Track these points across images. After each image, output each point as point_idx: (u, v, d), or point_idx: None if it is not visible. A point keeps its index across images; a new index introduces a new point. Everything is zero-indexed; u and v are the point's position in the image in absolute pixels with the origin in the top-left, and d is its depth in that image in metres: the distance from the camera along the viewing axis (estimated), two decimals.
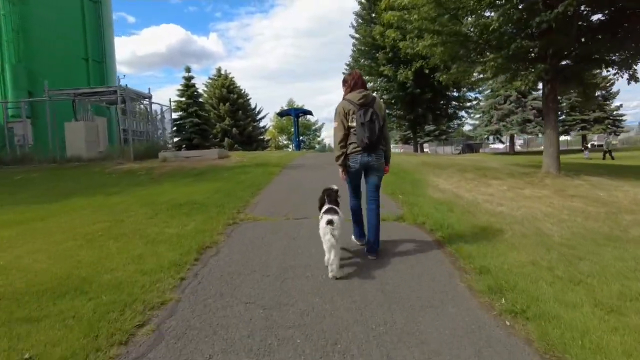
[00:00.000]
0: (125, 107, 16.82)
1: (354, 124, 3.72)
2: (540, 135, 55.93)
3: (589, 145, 44.25)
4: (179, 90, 41.05)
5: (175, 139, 42.54)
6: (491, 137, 58.79)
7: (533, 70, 8.39)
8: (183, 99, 40.97)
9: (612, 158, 30.33)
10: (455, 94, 28.01)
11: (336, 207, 3.70)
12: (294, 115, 25.95)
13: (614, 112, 49.44)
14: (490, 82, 35.49)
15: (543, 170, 9.31)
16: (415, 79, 24.66)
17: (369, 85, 27.11)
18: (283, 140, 64.12)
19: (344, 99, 3.88)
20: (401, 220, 5.23)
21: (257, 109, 54.48)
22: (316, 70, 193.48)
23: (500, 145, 68.93)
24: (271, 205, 6.38)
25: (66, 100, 17.20)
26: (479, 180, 8.65)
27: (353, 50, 29.46)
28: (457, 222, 4.92)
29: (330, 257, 3.29)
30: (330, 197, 3.83)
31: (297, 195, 7.17)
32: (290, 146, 56.58)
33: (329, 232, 3.27)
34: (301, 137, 61.21)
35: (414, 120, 27.60)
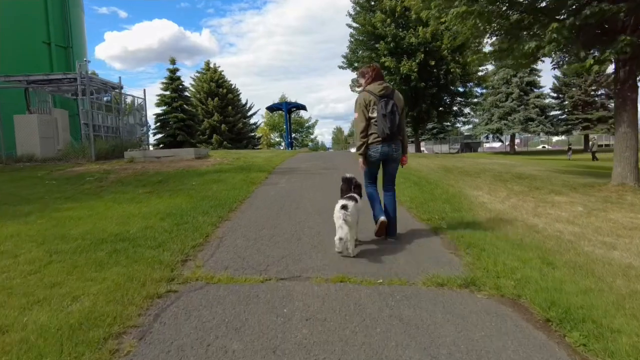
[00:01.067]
0: (88, 97, 14.28)
1: (375, 114, 3.77)
2: (541, 134, 53.99)
3: (572, 147, 41.58)
4: (163, 83, 38.19)
5: (159, 136, 39.88)
6: (489, 136, 57.00)
7: (609, 47, 6.13)
8: (167, 92, 38.19)
9: (596, 159, 28.86)
10: (460, 89, 25.79)
11: (356, 195, 3.84)
12: (286, 109, 23.34)
13: None
14: (501, 73, 33.04)
15: (615, 182, 7.07)
16: (419, 71, 22.38)
17: None
18: (275, 137, 61.78)
19: (364, 90, 3.88)
20: (473, 288, 2.89)
21: (248, 105, 52.01)
22: (308, 67, 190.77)
23: (496, 144, 67.05)
24: (243, 243, 4.01)
25: (17, 89, 14.64)
26: (534, 195, 6.37)
27: (350, 41, 27.07)
28: (586, 299, 2.60)
29: (346, 238, 3.43)
30: (350, 185, 3.93)
31: (285, 223, 4.81)
32: (282, 144, 54.12)
33: (341, 217, 3.38)
34: (293, 135, 58.91)
35: (417, 117, 25.34)
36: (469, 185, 7.30)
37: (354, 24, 25.96)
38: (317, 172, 9.37)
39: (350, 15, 26.07)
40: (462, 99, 26.49)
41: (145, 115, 18.42)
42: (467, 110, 27.05)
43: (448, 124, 30.22)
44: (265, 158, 13.27)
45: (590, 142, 33.53)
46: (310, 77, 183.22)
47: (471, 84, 25.15)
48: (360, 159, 3.97)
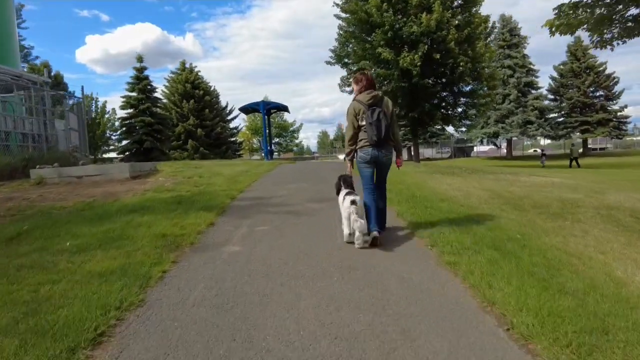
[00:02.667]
0: None
1: (364, 123, 3.98)
2: (539, 138, 51.32)
3: (545, 152, 40.18)
4: (128, 83, 34.09)
5: (124, 142, 35.71)
6: (483, 140, 54.11)
7: None
8: (133, 93, 33.99)
9: (578, 166, 28.27)
10: (466, 87, 22.47)
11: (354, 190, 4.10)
12: (264, 111, 19.09)
13: (618, 114, 45.15)
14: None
15: None
16: (422, 65, 18.96)
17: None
18: (258, 142, 57.84)
19: (354, 99, 4.15)
20: None
21: (229, 108, 48.13)
22: (293, 71, 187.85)
23: (484, 148, 64.24)
24: None
25: None
26: None
27: (339, 34, 23.56)
28: None
29: (356, 233, 3.73)
30: (346, 182, 4.21)
31: None
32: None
33: (354, 212, 3.73)
34: (276, 140, 54.98)
35: (418, 119, 21.91)
36: (592, 246, 3.77)
37: (343, 14, 22.48)
38: (303, 209, 5.73)
39: (337, 5, 22.55)
40: (467, 99, 23.14)
41: (83, 119, 14.47)
42: (472, 111, 23.60)
43: (451, 127, 26.71)
44: (231, 176, 9.56)
45: (571, 148, 31.71)
46: (295, 81, 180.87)
47: (476, 82, 21.77)
48: (348, 165, 4.40)
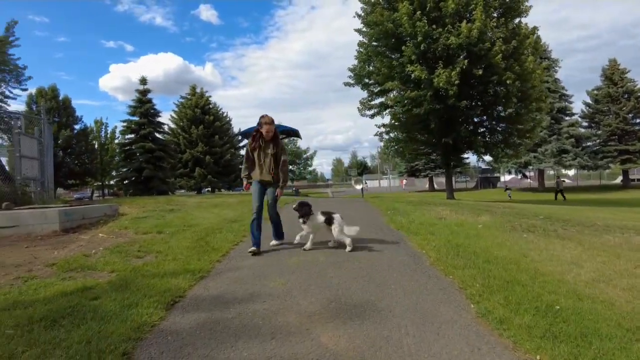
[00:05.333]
0: None
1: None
2: (578, 169, 47.02)
3: (510, 186, 39.65)
4: (130, 107, 31.63)
5: (123, 170, 33.15)
6: (511, 170, 50.33)
7: None
8: (135, 117, 31.61)
9: (564, 198, 27.51)
10: (507, 110, 19.10)
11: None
12: None
13: None
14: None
15: None
16: (460, 84, 15.81)
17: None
18: None
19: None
20: None
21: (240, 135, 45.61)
22: (308, 100, 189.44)
23: (506, 178, 60.19)
24: None
25: None
26: None
27: (359, 52, 20.71)
28: None
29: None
30: (309, 207, 5.28)
31: None
32: None
33: (344, 224, 5.14)
34: (290, 167, 51.98)
35: (453, 146, 18.57)
36: None
37: (364, 29, 19.69)
38: None
39: (359, 16, 19.81)
40: (506, 124, 19.74)
41: (48, 144, 11.61)
42: (514, 139, 20.04)
43: (488, 157, 23.12)
44: (207, 230, 6.36)
45: (556, 180, 31.39)
46: (310, 110, 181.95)
47: (521, 104, 18.38)
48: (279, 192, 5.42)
